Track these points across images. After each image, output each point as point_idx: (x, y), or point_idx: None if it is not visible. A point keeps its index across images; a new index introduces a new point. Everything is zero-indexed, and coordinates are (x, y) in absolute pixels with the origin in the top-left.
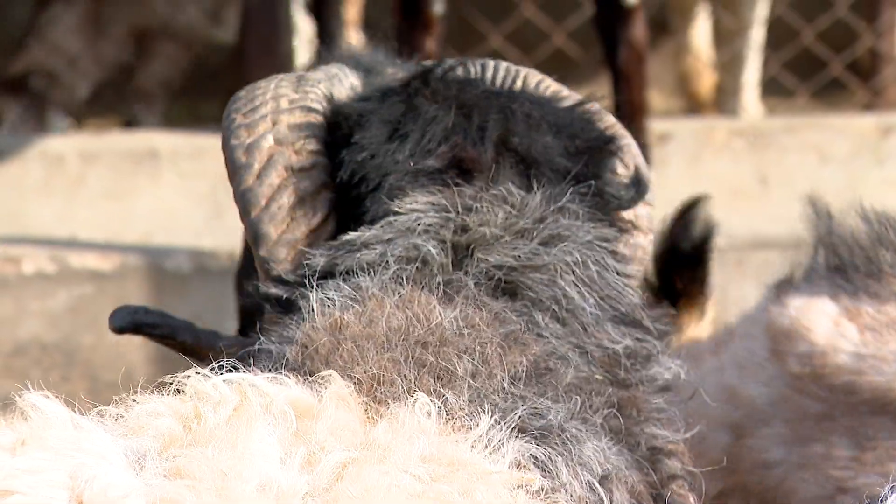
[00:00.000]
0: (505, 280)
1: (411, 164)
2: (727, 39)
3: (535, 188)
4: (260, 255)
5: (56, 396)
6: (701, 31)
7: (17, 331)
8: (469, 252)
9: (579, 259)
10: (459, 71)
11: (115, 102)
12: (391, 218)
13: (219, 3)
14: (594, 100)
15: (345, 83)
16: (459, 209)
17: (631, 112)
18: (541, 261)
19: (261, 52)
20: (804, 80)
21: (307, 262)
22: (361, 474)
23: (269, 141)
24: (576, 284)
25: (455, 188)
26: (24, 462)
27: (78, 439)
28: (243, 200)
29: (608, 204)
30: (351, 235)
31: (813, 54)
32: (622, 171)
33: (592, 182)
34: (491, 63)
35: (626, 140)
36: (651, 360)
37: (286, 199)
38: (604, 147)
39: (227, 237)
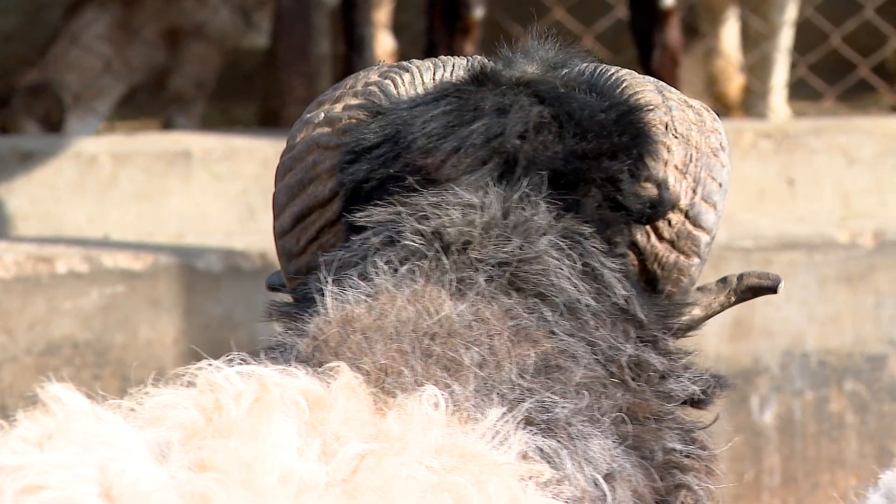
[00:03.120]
0: (511, 275)
1: (391, 170)
2: (755, 42)
3: (506, 187)
4: (277, 244)
5: (88, 394)
6: (730, 34)
7: (50, 330)
8: (467, 249)
9: (570, 254)
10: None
11: (150, 105)
12: (384, 220)
13: (252, 8)
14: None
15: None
16: (429, 213)
17: None
18: (532, 254)
19: (293, 57)
20: (831, 82)
21: (323, 259)
22: (380, 465)
23: (300, 145)
24: (569, 279)
25: (421, 194)
26: (52, 457)
27: (103, 432)
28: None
29: (625, 211)
30: (361, 235)
31: (840, 57)
32: (652, 178)
33: (599, 188)
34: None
35: (655, 146)
36: (665, 373)
37: (300, 203)
38: (628, 151)
39: (258, 238)
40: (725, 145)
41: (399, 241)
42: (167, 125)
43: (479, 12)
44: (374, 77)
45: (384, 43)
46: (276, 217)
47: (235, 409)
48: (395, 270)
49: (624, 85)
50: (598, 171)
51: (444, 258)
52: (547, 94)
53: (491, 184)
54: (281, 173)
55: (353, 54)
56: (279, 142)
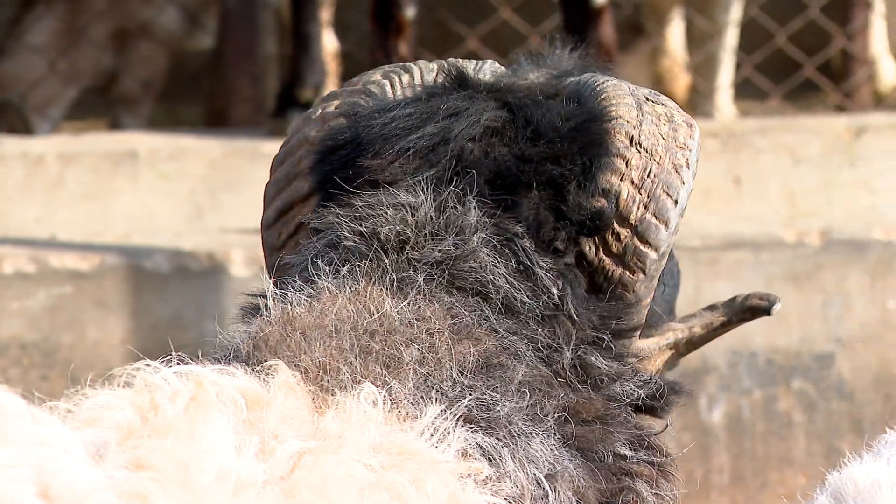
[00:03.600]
0: (450, 273)
1: (350, 172)
2: (701, 42)
3: (442, 186)
4: (262, 237)
5: (25, 395)
6: (675, 34)
7: None
8: (405, 249)
9: (503, 251)
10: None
11: (97, 106)
12: (331, 222)
13: (198, 8)
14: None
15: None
16: (364, 214)
17: None
18: (466, 251)
19: (239, 57)
20: (777, 81)
21: (281, 262)
22: (318, 464)
23: (293, 140)
24: (505, 277)
25: (360, 196)
26: None
27: (39, 433)
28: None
29: (567, 221)
30: (313, 237)
31: (786, 56)
32: (601, 190)
33: (537, 193)
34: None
35: (609, 158)
36: (611, 375)
37: (284, 198)
38: (573, 158)
39: (206, 238)
40: (692, 163)
41: (340, 243)
42: (114, 126)
43: (410, 11)
44: (376, 77)
45: (326, 42)
46: (264, 209)
47: (171, 409)
48: (337, 271)
49: (603, 95)
50: (537, 175)
51: (383, 258)
52: (513, 101)
53: (426, 184)
54: (274, 167)
55: (299, 53)
56: (226, 142)
